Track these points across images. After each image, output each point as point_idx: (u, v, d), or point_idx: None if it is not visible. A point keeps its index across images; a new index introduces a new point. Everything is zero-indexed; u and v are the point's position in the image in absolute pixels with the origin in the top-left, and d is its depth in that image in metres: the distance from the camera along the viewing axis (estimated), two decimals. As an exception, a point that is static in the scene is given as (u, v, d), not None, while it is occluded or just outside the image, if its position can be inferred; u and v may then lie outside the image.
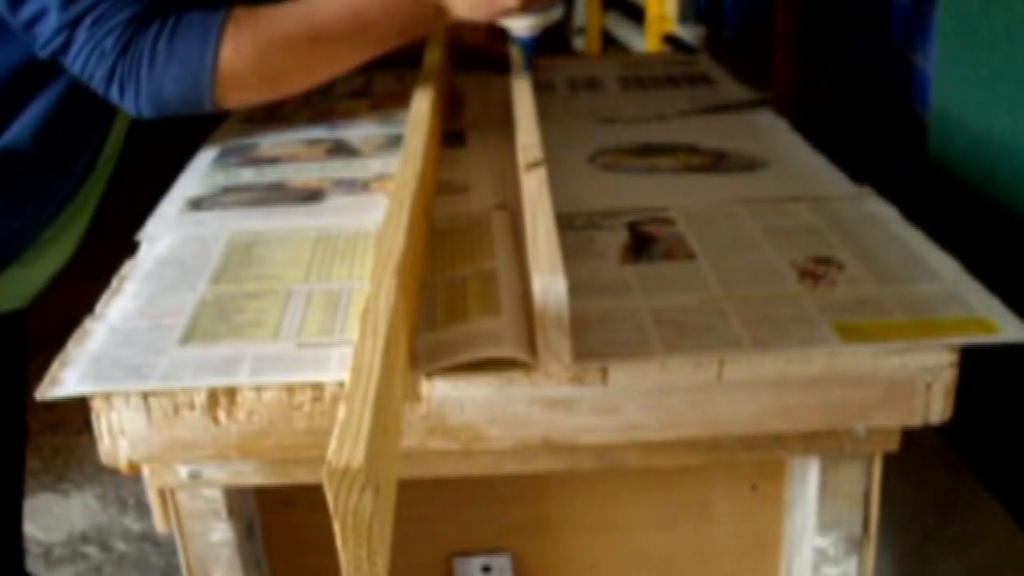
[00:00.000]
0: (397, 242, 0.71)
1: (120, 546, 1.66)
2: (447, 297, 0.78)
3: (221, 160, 1.11)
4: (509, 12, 1.03)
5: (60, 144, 1.02)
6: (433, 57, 1.18)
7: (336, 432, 0.52)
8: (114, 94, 0.96)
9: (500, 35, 1.24)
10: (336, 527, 0.51)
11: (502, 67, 1.26)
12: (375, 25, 1.01)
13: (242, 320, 0.77)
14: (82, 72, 0.95)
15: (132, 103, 0.97)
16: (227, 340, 0.75)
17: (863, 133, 1.48)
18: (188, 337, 0.75)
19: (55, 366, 0.72)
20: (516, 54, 1.18)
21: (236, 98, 0.99)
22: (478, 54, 1.39)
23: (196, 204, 1.00)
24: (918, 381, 0.72)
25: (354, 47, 1.02)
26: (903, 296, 0.77)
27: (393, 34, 1.03)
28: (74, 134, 1.04)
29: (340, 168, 1.06)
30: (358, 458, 0.50)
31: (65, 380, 0.70)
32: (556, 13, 1.10)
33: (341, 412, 0.53)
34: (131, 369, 0.71)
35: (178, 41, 0.95)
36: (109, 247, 1.00)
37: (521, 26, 1.12)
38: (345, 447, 0.51)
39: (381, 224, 0.76)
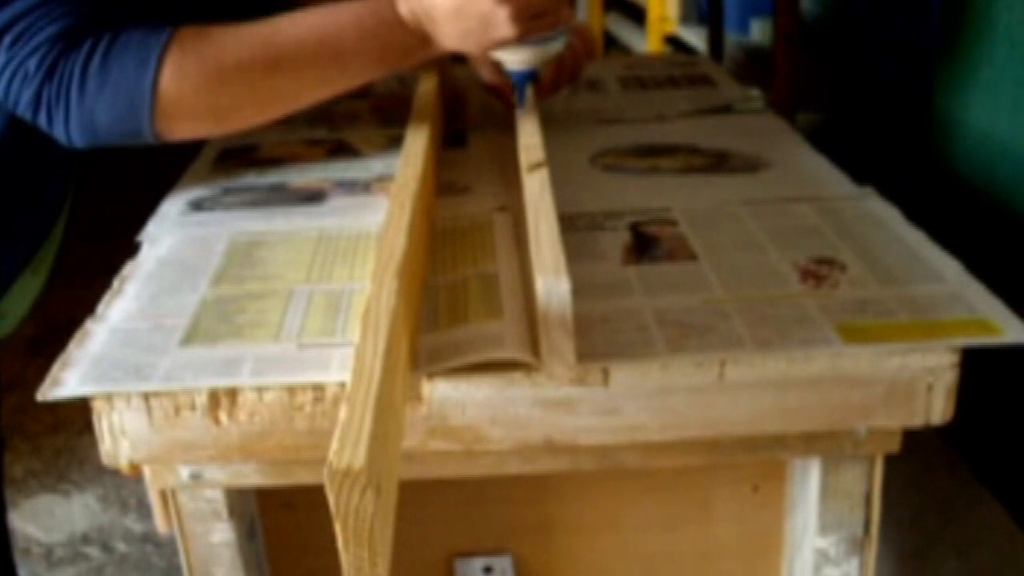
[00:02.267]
0: (398, 243, 0.72)
1: (121, 547, 1.66)
2: (448, 299, 0.78)
3: (222, 161, 1.11)
4: (504, 42, 0.92)
5: (18, 179, 0.94)
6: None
7: (337, 433, 0.52)
8: (42, 122, 0.86)
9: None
10: (337, 528, 0.51)
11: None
12: (348, 53, 0.89)
13: (243, 321, 0.77)
14: (6, 97, 0.85)
15: (62, 132, 0.86)
16: (228, 341, 0.75)
17: (864, 134, 1.48)
18: (189, 338, 0.75)
19: (56, 367, 0.72)
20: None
21: (180, 130, 0.87)
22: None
23: (197, 205, 1.00)
24: (919, 382, 0.72)
25: (322, 77, 0.90)
26: (905, 297, 0.77)
27: (370, 64, 0.91)
28: (34, 165, 0.95)
29: (341, 169, 1.06)
30: (359, 459, 0.50)
31: (66, 381, 0.70)
32: (556, 46, 0.99)
33: (342, 413, 0.53)
34: (132, 370, 0.71)
35: (113, 63, 0.83)
36: (110, 248, 1.00)
37: (514, 59, 1.00)
38: (346, 448, 0.51)
39: (382, 225, 0.76)
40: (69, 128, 0.85)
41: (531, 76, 1.02)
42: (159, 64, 0.84)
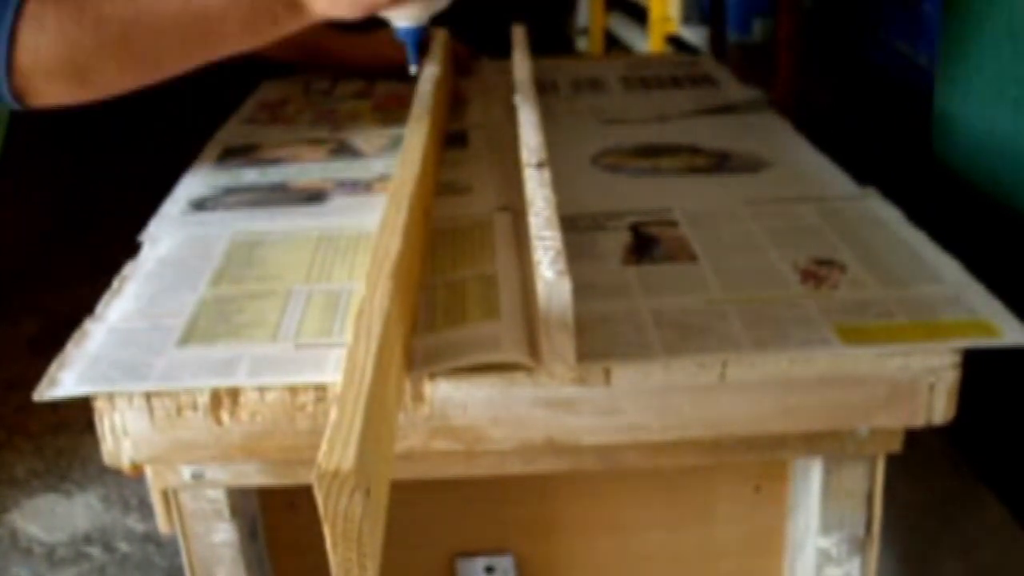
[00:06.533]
0: (393, 244, 0.71)
1: (123, 547, 1.66)
2: (446, 299, 0.78)
3: (224, 161, 1.11)
4: (378, 7, 0.88)
5: None
6: (434, 58, 1.18)
7: (327, 435, 0.52)
8: None
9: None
10: (326, 530, 0.51)
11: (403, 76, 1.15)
12: (213, 18, 0.85)
13: (241, 321, 0.77)
14: None
15: None
16: (225, 341, 0.74)
17: (866, 134, 1.48)
18: (186, 338, 0.75)
19: (53, 367, 0.72)
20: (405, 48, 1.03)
21: (42, 91, 0.85)
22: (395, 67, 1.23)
23: (199, 205, 1.00)
24: (921, 382, 0.72)
25: (186, 42, 0.87)
26: (905, 298, 0.77)
27: (236, 31, 0.87)
28: None
29: (343, 169, 1.06)
30: (348, 461, 0.50)
31: (63, 381, 0.70)
32: (440, 2, 0.97)
33: (332, 415, 0.53)
34: (128, 370, 0.71)
35: None
36: (111, 248, 1.00)
37: (399, 15, 0.97)
38: (335, 450, 0.50)
39: (378, 226, 0.75)
40: None
41: (420, 32, 0.99)
42: (16, 16, 0.81)
